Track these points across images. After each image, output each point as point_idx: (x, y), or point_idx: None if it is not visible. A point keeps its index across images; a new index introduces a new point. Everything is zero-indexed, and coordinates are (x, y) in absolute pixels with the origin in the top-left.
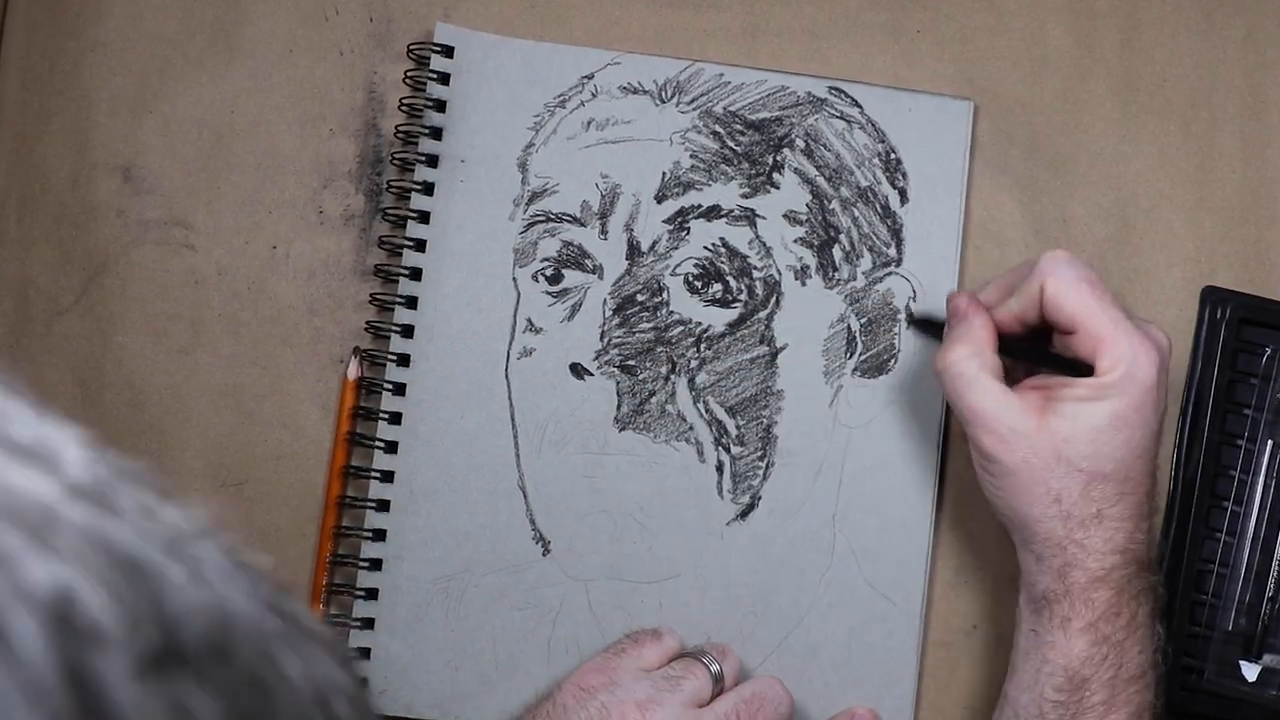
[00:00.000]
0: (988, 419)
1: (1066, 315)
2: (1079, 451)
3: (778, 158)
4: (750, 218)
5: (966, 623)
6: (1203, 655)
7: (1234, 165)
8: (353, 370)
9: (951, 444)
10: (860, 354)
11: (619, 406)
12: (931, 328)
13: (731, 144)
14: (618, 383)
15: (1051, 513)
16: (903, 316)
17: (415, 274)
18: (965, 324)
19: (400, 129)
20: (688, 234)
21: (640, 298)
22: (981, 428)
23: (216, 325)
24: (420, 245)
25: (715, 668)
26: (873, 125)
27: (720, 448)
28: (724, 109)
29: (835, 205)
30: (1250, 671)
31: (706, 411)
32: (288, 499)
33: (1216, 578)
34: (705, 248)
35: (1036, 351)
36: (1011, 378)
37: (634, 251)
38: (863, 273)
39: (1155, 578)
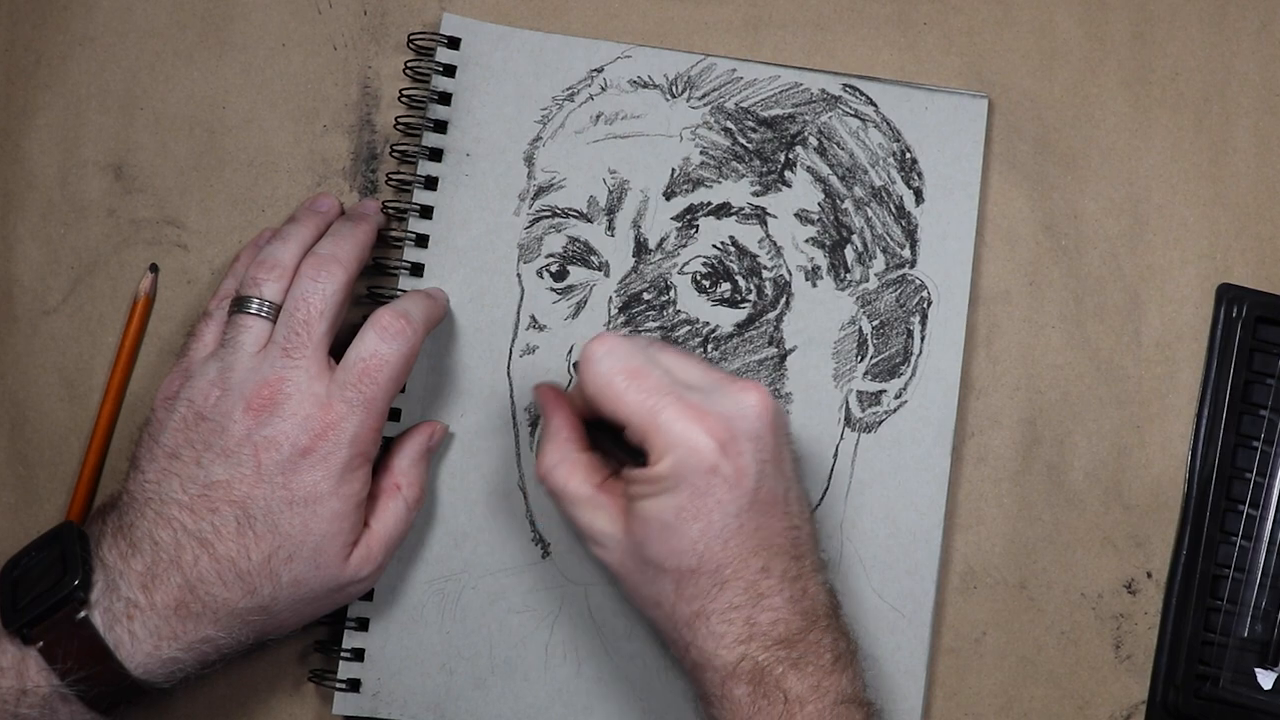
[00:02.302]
0: (583, 529)
1: (609, 413)
2: (657, 552)
3: (790, 155)
4: (761, 216)
5: (975, 630)
6: (1217, 662)
7: (1249, 159)
8: (145, 285)
9: (962, 449)
10: (871, 357)
11: None
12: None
13: (743, 141)
14: None
15: (657, 615)
16: (918, 316)
17: (417, 269)
18: (548, 425)
19: (400, 121)
20: (696, 232)
21: (647, 296)
22: (583, 538)
23: None
24: (423, 240)
25: (255, 304)
26: (888, 124)
27: None
28: (736, 105)
29: (848, 205)
30: (1266, 679)
31: None
32: None
33: (1232, 583)
34: (714, 246)
35: (613, 443)
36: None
37: (641, 249)
38: (875, 274)
39: (824, 636)
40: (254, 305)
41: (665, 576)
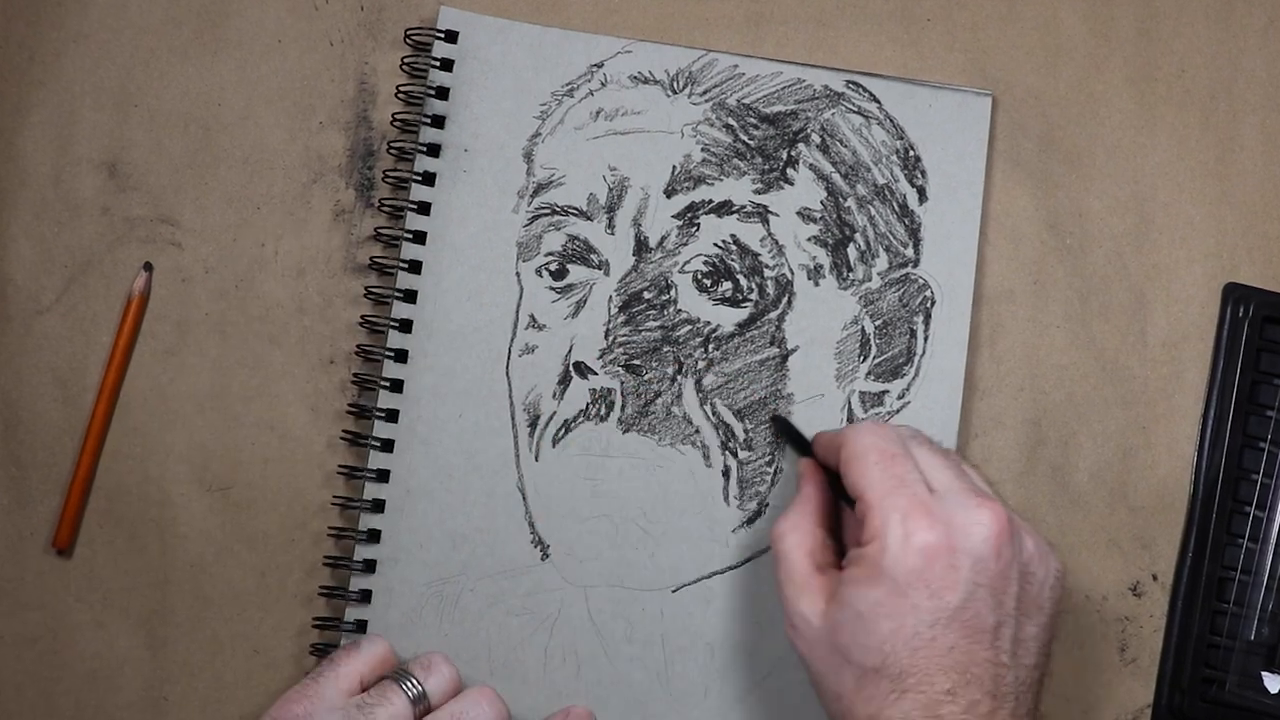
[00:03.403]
0: (786, 605)
1: (850, 484)
2: (846, 642)
3: (792, 153)
4: (762, 214)
5: None
6: (1223, 666)
7: (1256, 157)
8: (139, 284)
9: (966, 450)
10: (874, 357)
11: (623, 407)
12: (791, 436)
13: (744, 138)
14: (622, 383)
15: (837, 709)
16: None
17: (414, 267)
18: (800, 490)
19: (397, 117)
20: (697, 230)
21: (647, 295)
22: (784, 611)
23: (203, 325)
24: (420, 237)
25: (415, 690)
26: (891, 121)
27: (727, 452)
28: (737, 101)
29: (851, 203)
30: (1273, 683)
31: (714, 414)
32: (275, 503)
33: (1238, 585)
34: (715, 245)
35: (842, 496)
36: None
37: (642, 247)
38: (878, 273)
39: None
40: (409, 684)
41: (848, 669)
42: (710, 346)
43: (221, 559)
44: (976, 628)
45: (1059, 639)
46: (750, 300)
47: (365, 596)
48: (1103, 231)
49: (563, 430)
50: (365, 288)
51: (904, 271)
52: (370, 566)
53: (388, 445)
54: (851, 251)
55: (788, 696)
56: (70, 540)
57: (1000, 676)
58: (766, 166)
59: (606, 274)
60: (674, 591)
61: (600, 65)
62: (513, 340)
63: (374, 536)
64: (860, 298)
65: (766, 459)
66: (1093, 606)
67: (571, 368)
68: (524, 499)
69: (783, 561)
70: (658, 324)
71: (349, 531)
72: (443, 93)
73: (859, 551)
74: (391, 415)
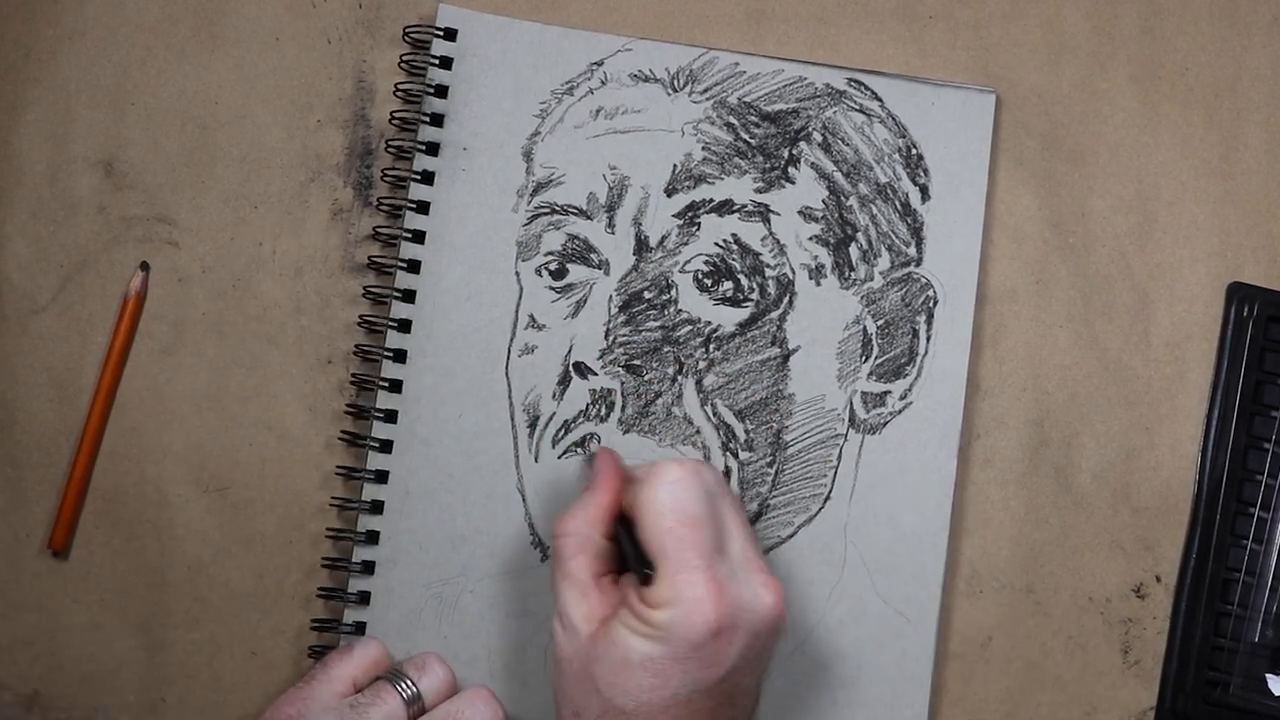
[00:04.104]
0: (560, 605)
1: (644, 536)
2: (603, 676)
3: (794, 151)
4: (764, 213)
5: (981, 634)
6: (1228, 668)
7: (1260, 156)
8: (136, 283)
9: (969, 451)
10: (876, 357)
11: (623, 408)
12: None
13: (745, 136)
14: (622, 383)
15: (566, 717)
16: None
17: (413, 267)
18: (589, 495)
19: (396, 115)
20: (698, 229)
21: (647, 295)
22: (555, 610)
23: (200, 325)
24: (419, 236)
25: (410, 691)
26: (894, 120)
27: (728, 452)
28: (738, 100)
29: (853, 202)
30: (1277, 685)
31: (714, 414)
32: (273, 504)
33: (1243, 587)
34: (716, 244)
35: (630, 546)
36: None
37: (642, 246)
38: (880, 272)
39: None
40: (403, 685)
41: (596, 698)
42: (711, 347)
43: (219, 560)
44: (729, 694)
45: (1062, 640)
46: (751, 300)
47: (364, 598)
48: (1106, 230)
49: (563, 431)
50: (364, 287)
51: (906, 271)
52: (369, 568)
53: (386, 446)
54: (853, 251)
55: (785, 699)
56: (66, 542)
57: None
58: (768, 165)
59: (607, 273)
60: None
61: (600, 63)
62: (512, 340)
63: (373, 538)
64: (862, 297)
65: (767, 460)
66: (1096, 608)
67: (571, 368)
68: (524, 500)
69: (563, 564)
70: (658, 324)
71: (347, 533)
72: (442, 91)
73: (644, 610)
74: (390, 416)
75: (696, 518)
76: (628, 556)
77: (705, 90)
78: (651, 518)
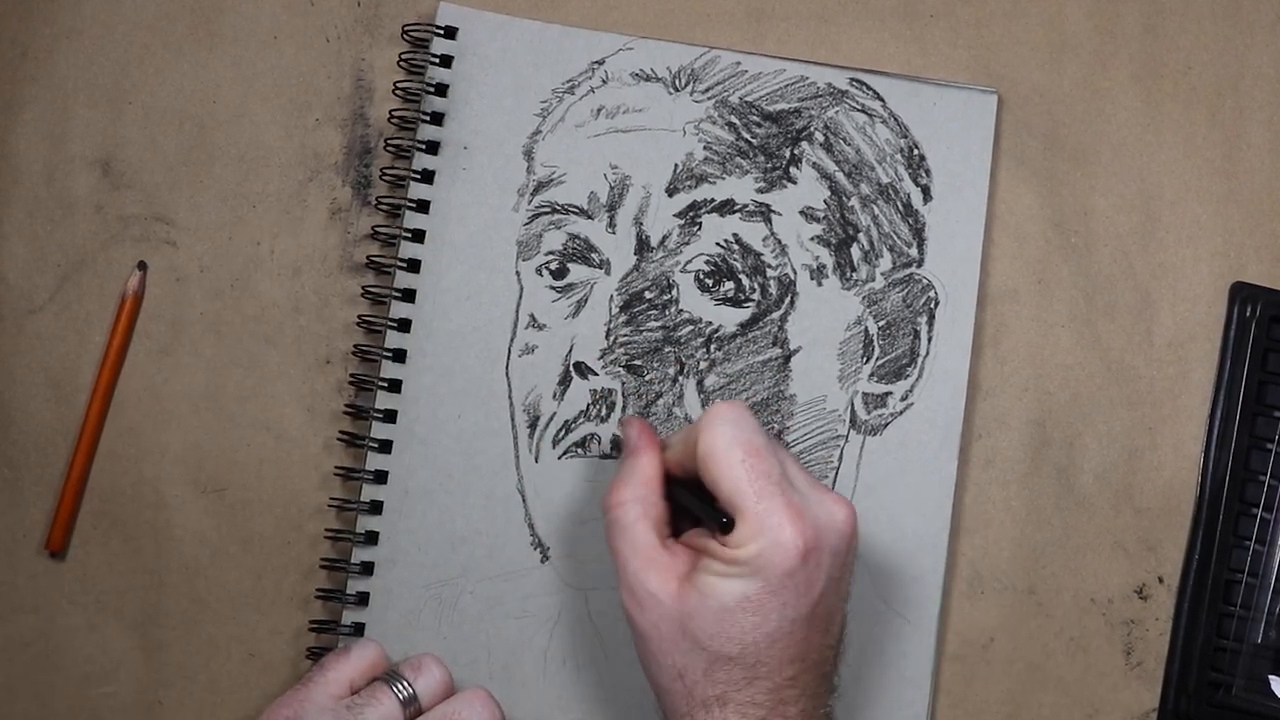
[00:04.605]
0: (629, 578)
1: (710, 478)
2: (703, 629)
3: (795, 151)
4: (765, 213)
5: (982, 635)
6: (1230, 670)
7: (1263, 155)
8: (133, 283)
9: (970, 451)
10: (878, 358)
11: (624, 408)
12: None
13: (747, 136)
14: (623, 383)
15: (676, 688)
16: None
17: (413, 266)
18: (633, 460)
19: (395, 114)
20: (699, 229)
21: (648, 295)
22: (623, 584)
23: (198, 325)
24: (419, 236)
25: (406, 692)
26: (895, 120)
27: None
28: (740, 99)
29: (854, 202)
30: None
31: None
32: (271, 505)
33: (1245, 588)
34: (717, 244)
35: (688, 496)
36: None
37: (643, 246)
38: (882, 273)
39: None
40: (400, 686)
41: (700, 654)
42: (712, 347)
43: (217, 561)
44: (824, 619)
45: (1064, 642)
46: (752, 300)
47: (363, 599)
48: (1108, 230)
49: (563, 431)
50: (362, 287)
51: (908, 271)
52: (368, 569)
53: (385, 446)
54: (855, 251)
55: None
56: (64, 542)
57: (828, 658)
58: (769, 165)
59: (607, 273)
60: None
61: (601, 62)
62: (512, 340)
63: (372, 538)
64: (864, 298)
65: None
66: (1098, 609)
67: (572, 368)
68: (524, 500)
69: (626, 533)
70: (659, 324)
71: (346, 533)
72: (441, 89)
73: (730, 552)
74: (389, 416)
75: (761, 448)
76: (694, 509)
77: (707, 89)
78: (720, 456)
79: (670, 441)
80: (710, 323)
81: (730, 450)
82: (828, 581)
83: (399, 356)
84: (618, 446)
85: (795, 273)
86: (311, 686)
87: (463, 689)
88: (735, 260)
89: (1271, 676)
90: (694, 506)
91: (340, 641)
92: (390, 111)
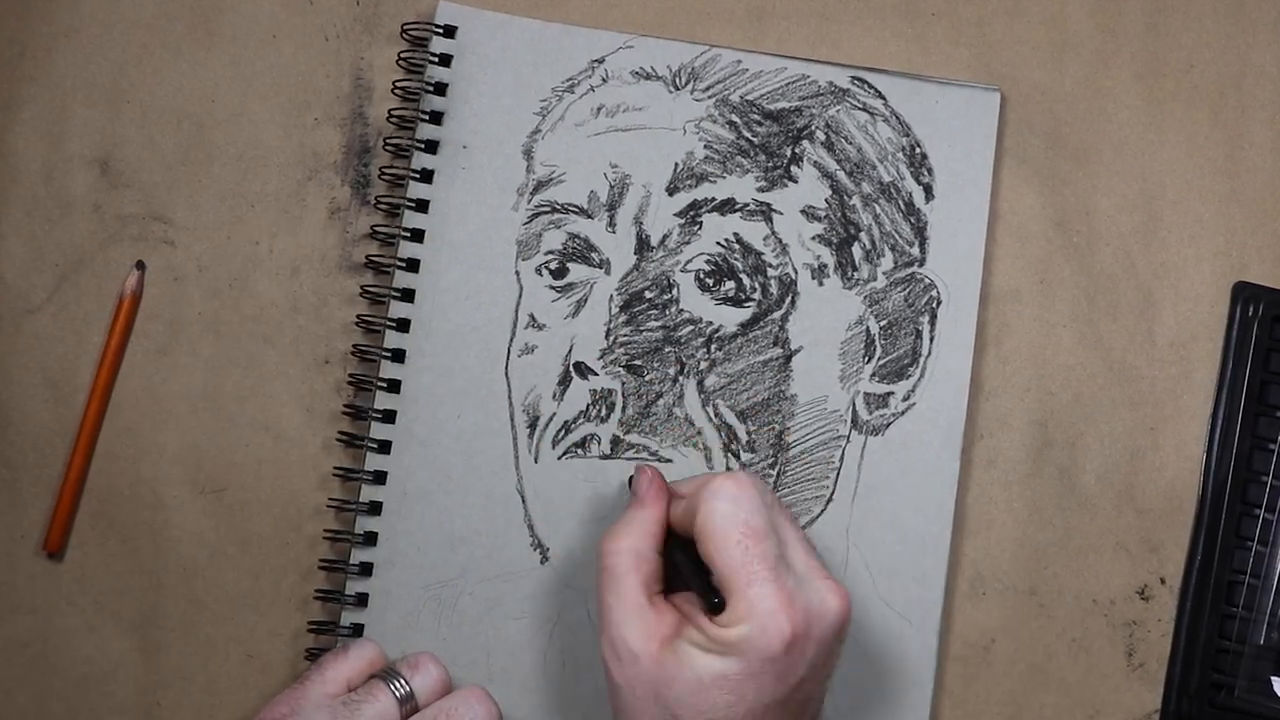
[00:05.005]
0: (610, 629)
1: (705, 553)
2: (677, 697)
3: (796, 150)
4: (766, 213)
5: (984, 637)
6: (1233, 671)
7: (1265, 154)
8: (131, 283)
9: (972, 452)
10: (879, 358)
11: (624, 408)
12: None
13: (748, 134)
14: (623, 383)
15: None
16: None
17: (412, 266)
18: (639, 512)
19: (394, 113)
20: (700, 228)
21: (649, 294)
22: (604, 634)
23: (196, 324)
24: (418, 235)
25: (403, 690)
26: (897, 118)
27: (729, 454)
28: (741, 97)
29: (856, 201)
30: None
31: (716, 415)
32: (269, 506)
33: (1247, 589)
34: (718, 243)
35: (691, 567)
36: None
37: (643, 246)
38: (883, 272)
39: None
40: (397, 684)
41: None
42: (713, 347)
43: (215, 562)
44: (800, 704)
45: (1065, 643)
46: (753, 300)
47: (362, 600)
48: (1110, 229)
49: (563, 431)
50: (361, 287)
51: (909, 271)
52: (367, 570)
53: (385, 447)
54: (856, 250)
55: None
56: (61, 543)
57: None
58: (770, 164)
59: (607, 273)
60: None
61: (601, 61)
62: (512, 340)
63: (370, 539)
64: (865, 297)
65: (769, 461)
66: (1100, 610)
67: (572, 368)
68: (523, 501)
69: (616, 583)
70: (659, 324)
71: (345, 534)
72: (441, 89)
73: (714, 629)
74: (388, 416)
75: (760, 529)
76: (686, 575)
77: (707, 88)
78: (717, 534)
79: (678, 494)
80: (711, 322)
81: (728, 530)
82: (810, 669)
83: (398, 356)
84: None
85: (796, 272)
86: (308, 685)
87: (460, 687)
88: (736, 260)
89: (1273, 678)
90: (688, 577)
91: (339, 643)
92: (389, 110)
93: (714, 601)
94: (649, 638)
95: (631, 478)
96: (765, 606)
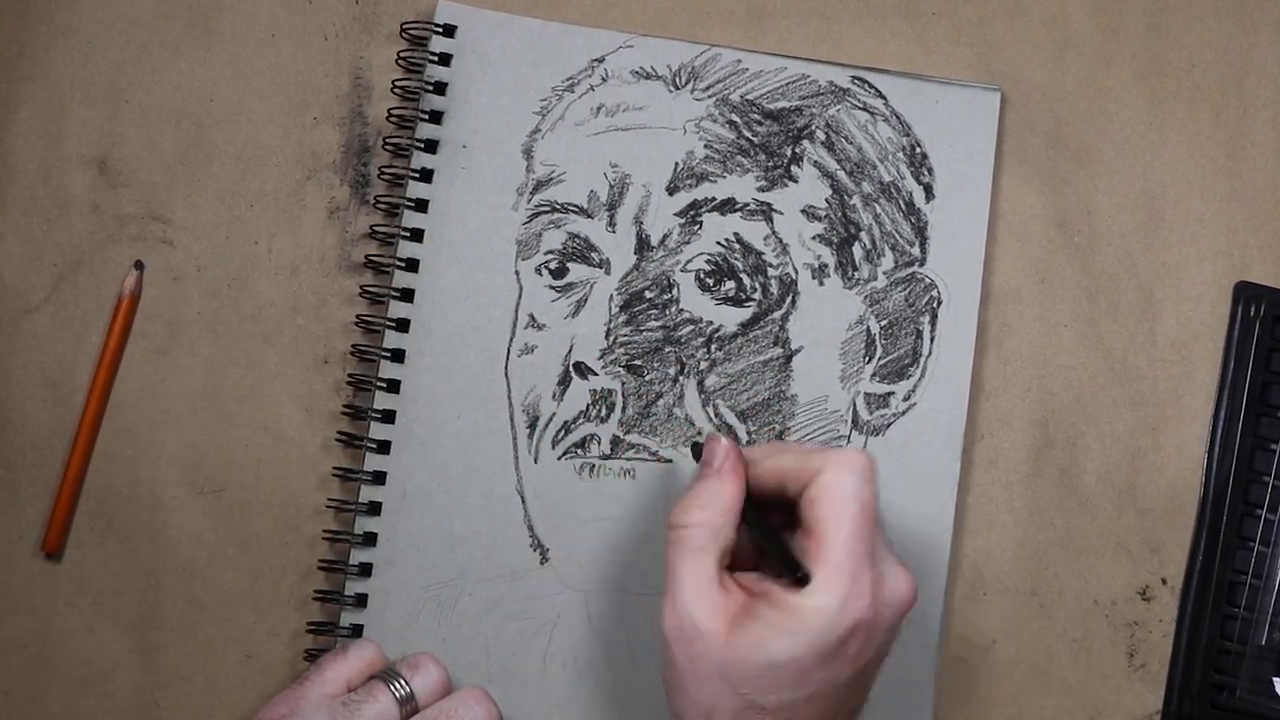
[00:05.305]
0: (679, 606)
1: (813, 516)
2: (744, 677)
3: (796, 150)
4: (766, 212)
5: (985, 638)
6: (1234, 672)
7: (1267, 154)
8: (130, 283)
9: (972, 452)
10: (880, 358)
11: (624, 408)
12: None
13: (748, 134)
14: (623, 383)
15: (693, 715)
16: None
17: (411, 265)
18: (716, 484)
19: (394, 113)
20: (700, 228)
21: (649, 294)
22: (670, 609)
23: (195, 324)
24: (417, 235)
25: (403, 690)
26: (898, 118)
27: None
28: (741, 97)
29: (856, 201)
30: None
31: (716, 416)
32: (269, 506)
33: (1249, 590)
34: (718, 243)
35: (769, 536)
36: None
37: (643, 245)
38: (884, 272)
39: None
40: (397, 685)
41: (734, 698)
42: (713, 347)
43: (214, 562)
44: (863, 685)
45: (1066, 644)
46: (753, 300)
47: (361, 600)
48: (1111, 229)
49: (562, 432)
50: (361, 286)
51: (910, 270)
52: (366, 570)
53: (384, 447)
54: (857, 250)
55: None
56: (60, 543)
57: (853, 716)
58: (770, 164)
59: (607, 273)
60: None
61: (601, 60)
62: (512, 340)
63: (370, 540)
64: (865, 297)
65: None
66: (1101, 611)
67: (571, 368)
68: (523, 502)
69: (689, 558)
70: (659, 324)
71: (344, 534)
72: (440, 88)
73: (794, 600)
74: (388, 416)
75: (873, 512)
76: (772, 552)
77: (707, 87)
78: (837, 502)
79: (761, 454)
80: (711, 322)
81: (850, 502)
82: (875, 653)
83: (397, 356)
84: (697, 453)
85: (796, 272)
86: (308, 685)
87: (460, 688)
88: (736, 259)
89: (1275, 678)
90: (773, 550)
91: (338, 643)
92: (389, 110)
93: (799, 575)
94: (717, 617)
95: (696, 444)
96: (856, 588)
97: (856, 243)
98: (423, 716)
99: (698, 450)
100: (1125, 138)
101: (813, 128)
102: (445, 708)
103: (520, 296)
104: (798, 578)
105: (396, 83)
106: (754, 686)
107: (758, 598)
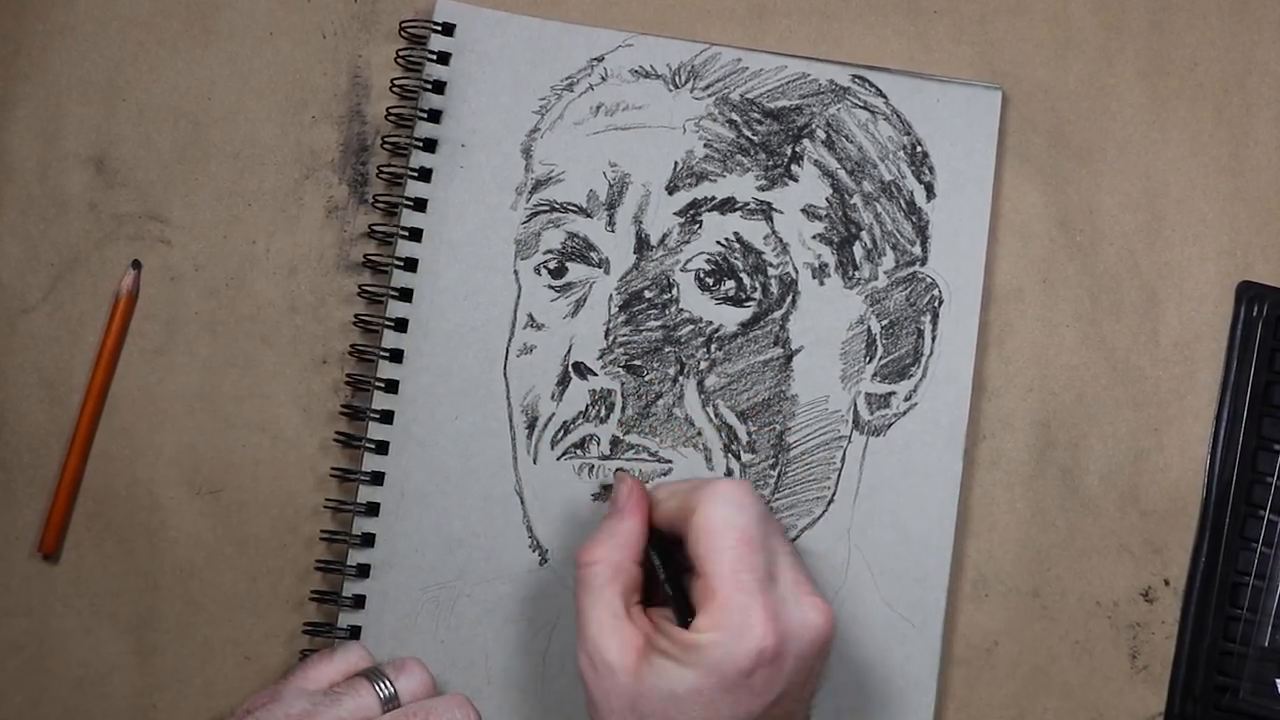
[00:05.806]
0: (588, 642)
1: (696, 553)
2: (652, 710)
3: (797, 149)
4: (766, 212)
5: (987, 640)
6: (1237, 673)
7: (1270, 153)
8: (127, 282)
9: (974, 452)
10: (880, 358)
11: (623, 409)
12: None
13: (748, 133)
14: (623, 383)
15: None
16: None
17: (410, 265)
18: (618, 523)
19: (392, 111)
20: (700, 227)
21: (648, 294)
22: (581, 646)
23: (193, 324)
24: (416, 234)
25: (387, 690)
26: (898, 117)
27: (730, 454)
28: (741, 96)
29: (857, 200)
30: None
31: (716, 416)
32: (267, 506)
33: (1252, 591)
34: (718, 242)
35: (667, 573)
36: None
37: (643, 245)
38: (885, 272)
39: None
40: (381, 684)
41: None
42: (713, 347)
43: (212, 563)
44: (785, 716)
45: (1069, 645)
46: (754, 299)
47: (359, 602)
48: (1113, 229)
49: (562, 432)
50: (359, 286)
51: (911, 270)
52: (364, 571)
53: (382, 447)
54: (857, 249)
55: None
56: (57, 545)
57: None
58: (770, 163)
59: (607, 272)
60: None
61: (600, 59)
62: (511, 340)
63: (368, 540)
64: (866, 297)
65: (770, 462)
66: (1103, 613)
67: (571, 368)
68: (522, 502)
69: (593, 595)
70: (659, 324)
71: (342, 535)
72: (439, 87)
73: (687, 637)
74: (386, 416)
75: (755, 539)
76: (662, 584)
77: (707, 86)
78: (713, 535)
79: (663, 495)
80: (711, 322)
81: (725, 533)
82: (788, 685)
83: (396, 356)
84: (607, 491)
85: (797, 271)
86: (292, 678)
87: (451, 692)
88: (736, 259)
89: (1278, 680)
90: (664, 586)
91: (336, 644)
92: (387, 109)
93: (685, 613)
94: (626, 650)
95: (605, 485)
96: (744, 618)
97: (857, 242)
98: (401, 712)
99: (607, 489)
100: (1127, 136)
101: (813, 126)
102: (426, 705)
103: (519, 296)
104: (685, 614)
105: (395, 81)
106: (663, 719)
107: (660, 632)
